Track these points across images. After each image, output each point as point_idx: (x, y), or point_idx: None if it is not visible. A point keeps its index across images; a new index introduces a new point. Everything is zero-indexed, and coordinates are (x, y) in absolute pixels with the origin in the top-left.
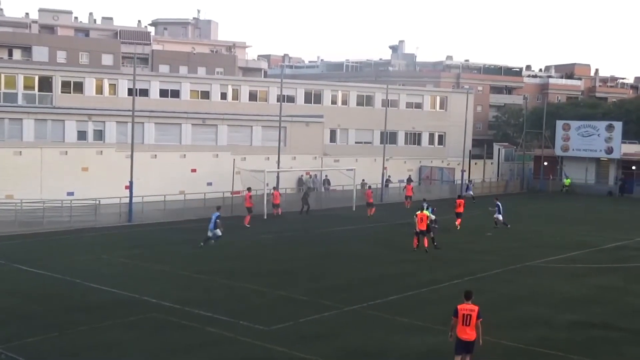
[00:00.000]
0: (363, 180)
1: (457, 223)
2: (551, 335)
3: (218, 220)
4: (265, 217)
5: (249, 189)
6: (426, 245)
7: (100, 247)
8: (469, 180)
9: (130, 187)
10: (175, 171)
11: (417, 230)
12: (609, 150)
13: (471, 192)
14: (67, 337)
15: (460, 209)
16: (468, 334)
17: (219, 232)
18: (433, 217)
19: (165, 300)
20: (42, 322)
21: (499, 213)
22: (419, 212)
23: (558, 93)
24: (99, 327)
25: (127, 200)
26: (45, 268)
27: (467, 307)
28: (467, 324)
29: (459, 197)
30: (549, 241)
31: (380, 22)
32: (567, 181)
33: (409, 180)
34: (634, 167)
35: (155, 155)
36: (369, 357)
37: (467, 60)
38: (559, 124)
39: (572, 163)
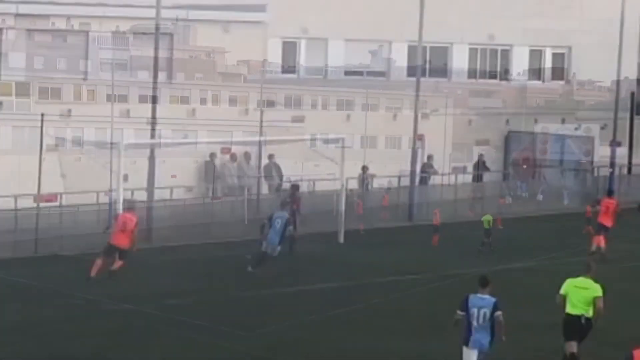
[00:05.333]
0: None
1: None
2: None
3: None
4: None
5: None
6: None
7: None
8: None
9: (110, 194)
10: (155, 177)
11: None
12: (587, 153)
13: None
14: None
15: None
16: None
17: None
18: None
19: (147, 306)
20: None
21: None
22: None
23: (536, 97)
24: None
25: (107, 207)
26: None
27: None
28: None
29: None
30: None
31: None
32: None
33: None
34: (610, 170)
35: (135, 161)
36: None
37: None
38: (536, 127)
39: (550, 167)
